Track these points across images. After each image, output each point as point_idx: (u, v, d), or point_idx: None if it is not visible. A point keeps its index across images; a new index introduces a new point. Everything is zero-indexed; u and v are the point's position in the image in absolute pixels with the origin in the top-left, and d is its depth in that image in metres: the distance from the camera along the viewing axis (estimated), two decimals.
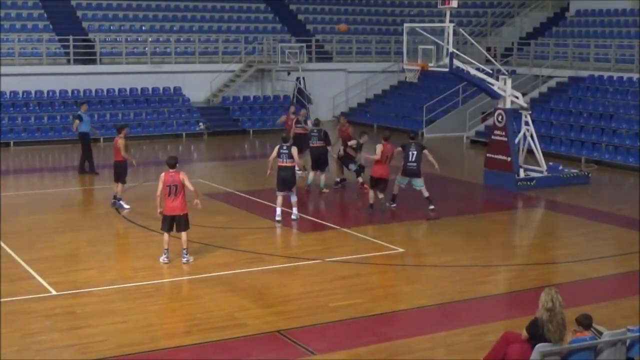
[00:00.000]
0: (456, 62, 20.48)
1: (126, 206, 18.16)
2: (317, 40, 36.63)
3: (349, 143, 20.11)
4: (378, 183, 17.74)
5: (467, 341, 10.68)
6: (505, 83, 21.14)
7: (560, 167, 22.39)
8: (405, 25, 22.63)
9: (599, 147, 25.68)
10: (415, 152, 17.89)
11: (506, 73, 21.95)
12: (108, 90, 31.70)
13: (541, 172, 21.65)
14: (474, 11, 40.16)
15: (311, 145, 20.40)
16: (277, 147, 17.21)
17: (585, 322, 8.84)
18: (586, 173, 22.47)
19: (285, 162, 17.01)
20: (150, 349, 10.35)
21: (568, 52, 32.10)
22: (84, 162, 22.92)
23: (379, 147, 17.54)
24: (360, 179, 20.21)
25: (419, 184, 18.08)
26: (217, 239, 15.59)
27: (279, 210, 17.08)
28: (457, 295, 12.62)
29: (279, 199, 17.15)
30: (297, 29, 37.33)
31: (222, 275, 13.47)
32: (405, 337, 10.92)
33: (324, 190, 20.03)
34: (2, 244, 15.06)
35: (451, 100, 32.52)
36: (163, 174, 13.91)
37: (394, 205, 18.27)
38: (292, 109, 23.61)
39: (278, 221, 17.00)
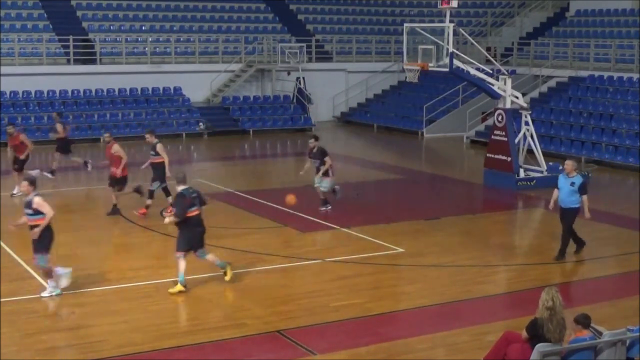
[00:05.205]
0: (456, 62, 20.50)
1: None
2: (317, 40, 36.63)
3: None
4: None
5: (467, 341, 10.68)
6: (505, 83, 21.15)
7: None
8: (405, 25, 22.68)
9: (599, 147, 25.67)
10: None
11: (506, 73, 21.95)
12: (108, 90, 31.72)
13: (541, 172, 21.64)
14: (474, 11, 40.16)
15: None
16: None
17: (583, 322, 8.84)
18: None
19: None
20: (150, 349, 10.35)
21: (568, 52, 32.10)
22: None
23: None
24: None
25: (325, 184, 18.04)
26: (217, 239, 15.57)
27: None
28: (457, 295, 12.62)
29: None
30: (297, 29, 37.32)
31: (222, 275, 13.46)
32: (405, 337, 10.92)
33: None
34: (2, 244, 15.06)
35: (451, 100, 32.53)
36: None
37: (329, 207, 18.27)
38: (57, 117, 21.94)
39: None
